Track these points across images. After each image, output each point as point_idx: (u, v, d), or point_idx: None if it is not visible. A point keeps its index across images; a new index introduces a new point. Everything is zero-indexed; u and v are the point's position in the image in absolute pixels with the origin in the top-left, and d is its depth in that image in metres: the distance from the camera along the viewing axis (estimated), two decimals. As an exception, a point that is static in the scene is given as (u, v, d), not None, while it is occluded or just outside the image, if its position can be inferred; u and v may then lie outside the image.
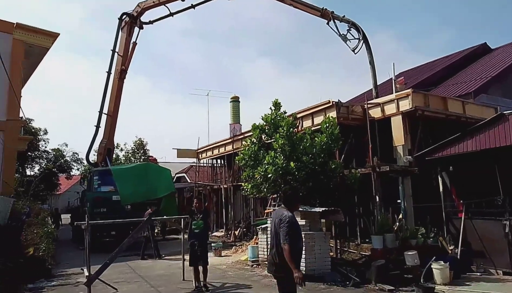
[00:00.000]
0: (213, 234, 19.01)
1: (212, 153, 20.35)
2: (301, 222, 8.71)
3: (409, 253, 8.40)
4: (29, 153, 28.63)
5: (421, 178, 10.72)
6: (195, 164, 29.52)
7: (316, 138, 9.49)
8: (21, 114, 16.38)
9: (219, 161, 21.85)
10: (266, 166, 9.34)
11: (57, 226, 19.75)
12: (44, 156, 32.04)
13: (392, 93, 11.85)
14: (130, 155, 31.62)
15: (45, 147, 31.96)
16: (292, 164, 8.95)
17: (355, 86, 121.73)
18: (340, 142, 9.72)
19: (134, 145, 31.98)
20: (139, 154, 31.48)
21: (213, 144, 20.36)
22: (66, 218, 24.94)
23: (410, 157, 10.23)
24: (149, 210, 13.03)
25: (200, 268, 7.84)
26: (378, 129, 11.15)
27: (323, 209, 8.35)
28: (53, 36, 17.05)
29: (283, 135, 9.34)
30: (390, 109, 11.14)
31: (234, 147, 17.53)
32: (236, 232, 17.21)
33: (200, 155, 21.61)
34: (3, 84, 15.09)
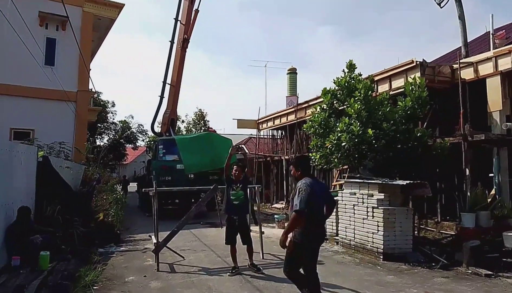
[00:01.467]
0: (273, 206, 18.67)
1: (273, 123, 19.69)
2: (380, 195, 7.81)
3: (510, 233, 7.19)
4: (98, 124, 30.11)
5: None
6: (254, 136, 29.31)
7: (399, 103, 8.36)
8: (90, 86, 16.93)
9: (279, 132, 21.18)
10: (339, 134, 8.45)
11: (125, 193, 20.58)
12: (112, 127, 33.61)
13: (486, 51, 10.19)
14: (191, 126, 32.06)
15: (113, 119, 33.49)
16: (370, 131, 7.97)
17: (421, 54, 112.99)
18: (427, 107, 8.49)
19: (195, 116, 32.33)
20: (200, 125, 31.80)
21: (274, 114, 19.66)
22: (132, 186, 26.08)
23: (510, 124, 8.73)
24: None
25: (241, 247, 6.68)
26: (468, 93, 9.67)
27: (408, 181, 7.35)
28: (119, 7, 17.23)
29: (359, 99, 8.33)
30: (485, 69, 9.56)
31: (297, 116, 16.68)
32: (298, 204, 16.63)
33: (260, 125, 21.06)
34: (74, 57, 15.58)
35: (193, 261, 7.52)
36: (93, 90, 18.85)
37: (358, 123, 8.17)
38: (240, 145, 26.00)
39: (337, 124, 9.00)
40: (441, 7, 11.68)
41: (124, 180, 23.87)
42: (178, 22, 17.34)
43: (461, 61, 9.72)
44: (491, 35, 10.61)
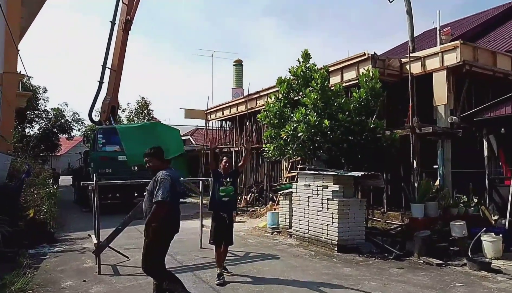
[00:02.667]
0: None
1: (223, 114, 19.17)
2: (334, 187, 7.72)
3: (457, 223, 7.47)
4: (28, 112, 27.45)
5: (461, 142, 9.67)
6: (201, 127, 28.51)
7: (354, 94, 8.31)
8: (19, 69, 15.15)
9: (228, 122, 20.73)
10: (296, 124, 8.23)
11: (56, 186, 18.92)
12: (44, 115, 30.83)
13: (431, 47, 10.56)
14: (133, 115, 30.38)
15: (45, 106, 30.72)
16: (326, 121, 7.84)
17: (364, 46, 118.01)
18: (380, 99, 8.55)
19: (138, 105, 30.66)
20: (143, 114, 30.24)
21: (223, 104, 19.15)
22: (67, 179, 24.18)
23: (455, 117, 9.10)
24: None
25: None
26: (415, 87, 9.95)
27: (363, 173, 7.32)
28: (51, -20, 15.54)
29: (316, 89, 8.15)
30: (432, 63, 9.88)
31: (247, 107, 16.33)
32: (247, 197, 16.39)
33: (209, 116, 20.44)
34: (-1, 33, 13.81)
35: (139, 261, 6.72)
36: (23, 73, 16.96)
37: (315, 114, 7.99)
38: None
39: (292, 114, 8.79)
40: (390, 2, 11.94)
41: (54, 172, 21.95)
42: (120, 1, 16.11)
43: (411, 55, 9.94)
44: (438, 31, 11.03)
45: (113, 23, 16.06)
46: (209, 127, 21.15)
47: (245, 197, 16.47)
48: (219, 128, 21.14)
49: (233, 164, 5.00)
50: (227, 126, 20.93)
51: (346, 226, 7.53)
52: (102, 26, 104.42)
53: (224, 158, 6.11)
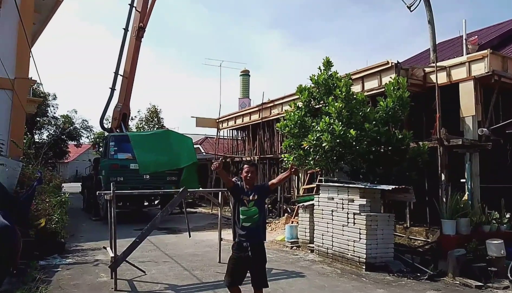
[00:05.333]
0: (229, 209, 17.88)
1: (235, 123, 18.87)
2: (361, 201, 7.32)
3: (494, 242, 7.00)
4: (37, 118, 27.37)
5: (490, 155, 9.24)
6: (210, 135, 28.20)
7: (380, 103, 7.95)
8: (30, 75, 15.01)
9: (240, 132, 20.42)
10: (319, 134, 7.86)
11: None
12: (53, 122, 30.76)
13: (452, 56, 10.21)
14: (143, 123, 30.16)
15: (54, 113, 30.67)
16: (352, 131, 7.46)
17: (369, 59, 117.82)
18: (408, 109, 8.17)
19: (148, 113, 30.47)
20: (153, 122, 30.02)
21: (236, 113, 18.88)
22: (75, 186, 23.88)
23: (485, 129, 8.68)
24: None
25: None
26: (440, 98, 9.57)
27: (393, 186, 6.91)
28: (65, -14, 15.45)
29: (341, 98, 7.80)
30: (458, 73, 9.50)
31: (261, 116, 16.01)
32: (260, 209, 15.96)
33: (220, 124, 20.14)
34: (11, 39, 13.65)
35: (156, 276, 6.50)
36: (36, 79, 16.84)
37: (339, 123, 7.63)
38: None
39: (314, 124, 8.44)
40: (411, 11, 11.65)
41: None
42: (134, 8, 15.99)
43: (437, 65, 9.57)
44: (464, 41, 10.68)
45: (126, 30, 15.96)
46: (221, 136, 20.84)
47: (258, 208, 16.05)
48: (231, 137, 20.83)
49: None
50: (239, 135, 20.61)
51: (374, 243, 7.11)
52: (109, 35, 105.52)
53: (245, 165, 4.39)
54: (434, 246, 7.91)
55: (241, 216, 4.18)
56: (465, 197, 9.00)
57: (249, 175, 4.30)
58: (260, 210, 4.25)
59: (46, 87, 37.10)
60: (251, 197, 4.20)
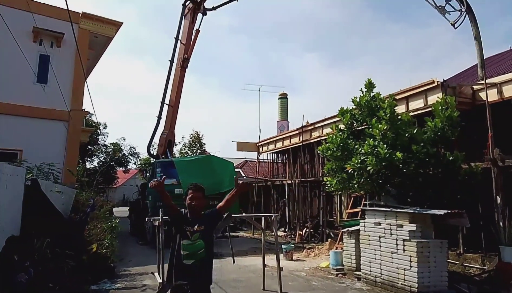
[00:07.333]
0: (273, 233, 17.67)
1: (275, 146, 18.93)
2: (411, 226, 7.00)
3: (561, 272, 6.42)
4: (89, 146, 29.03)
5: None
6: (251, 159, 28.46)
7: (428, 123, 7.69)
8: (84, 106, 16.13)
9: (280, 155, 20.43)
10: (363, 157, 7.71)
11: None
12: (103, 149, 32.52)
13: (503, 73, 9.71)
14: (186, 148, 31.12)
15: (104, 141, 32.48)
16: (398, 154, 7.24)
17: (409, 77, 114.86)
18: (458, 129, 7.83)
19: (191, 138, 31.46)
20: (196, 148, 30.88)
21: (276, 136, 18.96)
22: (123, 210, 24.80)
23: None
24: None
25: None
26: (491, 116, 9.10)
27: (445, 211, 6.57)
28: (117, 25, 16.61)
29: (385, 119, 7.64)
30: (511, 90, 9.03)
31: (302, 139, 15.98)
32: (301, 232, 15.71)
33: (261, 148, 20.29)
34: (68, 74, 14.89)
35: None
36: (90, 110, 18.05)
37: (385, 146, 7.45)
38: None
39: (357, 146, 8.29)
40: (455, 28, 11.31)
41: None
42: (179, 41, 16.85)
43: (485, 82, 9.17)
44: (515, 55, 10.19)
45: (171, 62, 16.76)
46: (262, 160, 20.96)
47: (300, 232, 15.81)
48: (271, 160, 20.88)
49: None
50: (279, 158, 20.62)
51: (426, 271, 6.74)
52: (155, 67, 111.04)
53: (190, 190, 3.67)
54: (492, 274, 7.36)
55: (182, 252, 3.39)
56: (526, 221, 8.37)
57: (194, 202, 3.57)
58: (207, 244, 3.47)
59: (97, 117, 39.50)
60: (195, 228, 3.44)
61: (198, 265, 3.37)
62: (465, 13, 11.05)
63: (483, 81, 9.42)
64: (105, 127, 31.91)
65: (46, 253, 6.58)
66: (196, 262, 3.36)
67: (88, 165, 30.43)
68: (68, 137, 14.58)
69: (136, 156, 34.18)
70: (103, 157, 32.35)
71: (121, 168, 34.40)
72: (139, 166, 34.85)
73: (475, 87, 9.90)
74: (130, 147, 34.29)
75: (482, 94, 9.56)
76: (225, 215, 6.75)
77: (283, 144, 18.13)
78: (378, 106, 8.27)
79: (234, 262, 7.94)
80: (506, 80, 9.19)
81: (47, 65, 14.71)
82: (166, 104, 16.68)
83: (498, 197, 8.23)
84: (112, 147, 32.70)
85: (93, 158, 32.30)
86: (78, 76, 14.83)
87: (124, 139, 35.55)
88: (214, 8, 17.44)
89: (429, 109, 9.02)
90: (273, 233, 18.59)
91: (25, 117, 13.69)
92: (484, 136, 8.79)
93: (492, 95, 9.38)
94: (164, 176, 4.66)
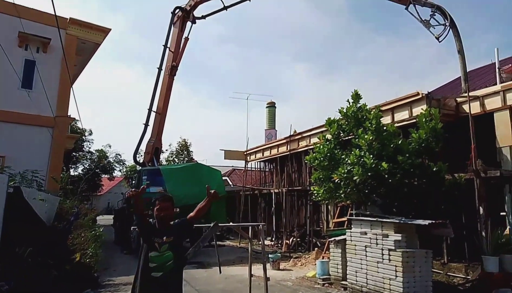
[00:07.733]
0: (260, 242, 17.62)
1: (263, 155, 18.98)
2: (396, 236, 7.08)
3: (542, 281, 6.57)
4: (73, 153, 28.61)
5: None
6: (238, 167, 28.42)
7: (413, 135, 7.84)
8: (69, 113, 15.92)
9: (267, 164, 20.48)
10: (350, 167, 7.79)
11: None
12: (88, 156, 32.06)
13: (485, 87, 10.01)
14: (174, 156, 30.94)
15: (89, 148, 32.04)
16: (384, 164, 7.35)
17: (395, 89, 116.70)
18: (442, 140, 8.00)
19: (178, 146, 31.30)
20: (183, 156, 30.72)
21: (264, 145, 19.04)
22: (107, 218, 24.41)
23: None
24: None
25: None
26: (474, 128, 9.32)
27: (430, 221, 6.68)
28: (105, 31, 16.53)
29: (371, 130, 7.76)
30: (493, 102, 9.29)
31: (289, 148, 16.06)
32: (288, 241, 15.70)
33: (248, 157, 20.31)
34: (54, 80, 14.71)
35: None
36: (76, 117, 17.82)
37: (371, 156, 7.55)
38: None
39: (344, 156, 8.38)
40: (440, 42, 11.60)
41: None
42: (167, 49, 16.84)
43: (468, 95, 9.41)
44: (497, 69, 10.49)
45: (160, 69, 16.71)
46: (249, 168, 20.97)
47: (286, 241, 15.79)
48: (258, 169, 20.91)
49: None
50: (267, 167, 20.66)
51: (411, 280, 6.81)
52: (143, 74, 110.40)
53: (157, 201, 3.54)
54: (475, 283, 7.48)
55: (150, 264, 3.27)
56: (507, 231, 8.55)
57: (162, 213, 3.44)
58: (176, 256, 3.35)
59: (83, 123, 39.01)
60: (164, 239, 3.33)
61: (167, 277, 3.28)
62: (449, 27, 11.36)
63: (466, 94, 9.67)
64: (90, 134, 31.56)
65: (29, 262, 6.43)
66: (164, 274, 3.27)
67: (72, 172, 29.97)
68: (53, 143, 14.35)
69: (122, 163, 33.82)
70: (88, 164, 31.90)
71: (106, 175, 33.93)
72: (125, 173, 34.46)
73: (458, 99, 10.15)
74: (116, 154, 33.94)
75: (466, 107, 9.80)
76: (212, 224, 6.73)
77: (270, 153, 18.19)
78: (365, 117, 8.41)
79: (220, 271, 7.87)
80: (488, 93, 9.46)
81: (33, 71, 14.52)
82: (154, 111, 16.58)
83: (480, 207, 8.38)
84: (98, 153, 32.28)
85: (77, 165, 31.83)
86: (64, 82, 14.68)
87: (110, 146, 35.17)
88: (203, 17, 17.52)
89: (414, 120, 9.19)
90: (260, 242, 18.52)
91: (8, 122, 13.45)
92: (467, 147, 8.98)
93: (475, 108, 9.63)
94: (143, 186, 4.59)
